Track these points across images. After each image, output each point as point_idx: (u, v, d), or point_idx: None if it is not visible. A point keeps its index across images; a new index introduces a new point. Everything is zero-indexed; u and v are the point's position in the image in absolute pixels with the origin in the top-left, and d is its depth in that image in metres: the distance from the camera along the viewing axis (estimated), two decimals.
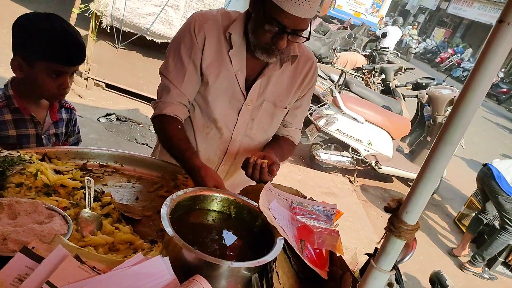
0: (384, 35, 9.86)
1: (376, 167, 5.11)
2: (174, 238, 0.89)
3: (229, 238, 1.10)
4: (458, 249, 4.60)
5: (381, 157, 5.10)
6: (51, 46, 1.39)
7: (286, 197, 1.27)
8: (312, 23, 1.41)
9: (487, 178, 4.20)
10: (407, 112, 5.92)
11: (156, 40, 4.87)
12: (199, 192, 1.13)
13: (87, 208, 1.16)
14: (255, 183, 1.38)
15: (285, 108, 1.62)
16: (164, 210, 0.97)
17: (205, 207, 1.15)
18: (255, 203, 1.15)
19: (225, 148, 1.62)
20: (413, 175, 5.11)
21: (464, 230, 4.83)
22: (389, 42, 10.28)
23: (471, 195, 5.14)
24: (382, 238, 0.83)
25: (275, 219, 1.09)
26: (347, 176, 5.39)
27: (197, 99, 1.57)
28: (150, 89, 4.94)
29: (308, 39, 1.38)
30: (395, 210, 0.80)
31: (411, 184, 0.94)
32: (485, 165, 4.33)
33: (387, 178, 5.63)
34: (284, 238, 1.05)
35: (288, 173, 4.84)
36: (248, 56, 1.48)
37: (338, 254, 1.10)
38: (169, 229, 0.91)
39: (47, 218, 0.95)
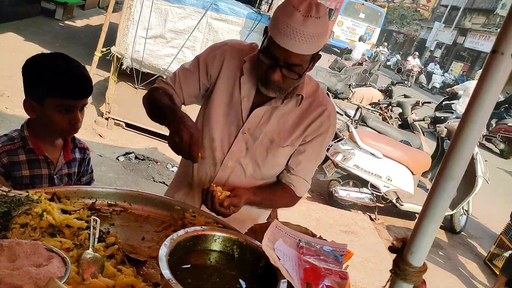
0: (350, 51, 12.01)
1: (397, 204, 4.95)
2: (171, 282, 0.87)
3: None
4: None
5: (402, 193, 4.95)
6: (56, 82, 1.43)
7: (294, 235, 1.23)
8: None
9: None
10: (427, 146, 5.80)
11: None
12: (201, 232, 1.11)
13: (90, 249, 1.15)
14: (264, 222, 1.35)
15: (283, 147, 1.56)
16: (163, 251, 0.95)
17: (207, 247, 1.12)
18: (259, 243, 1.12)
19: (215, 171, 1.60)
20: None
21: (497, 272, 4.54)
22: (357, 54, 13.47)
23: (501, 233, 4.88)
24: (387, 282, 0.78)
25: (279, 259, 1.05)
26: (368, 213, 5.23)
27: (201, 116, 1.63)
28: None
29: (300, 76, 1.39)
30: (400, 250, 0.76)
31: None
32: None
33: (410, 215, 5.43)
34: (288, 280, 1.00)
35: (306, 211, 4.74)
36: (258, 87, 1.51)
37: None
38: (166, 272, 0.89)
39: (46, 260, 0.94)
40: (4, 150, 1.48)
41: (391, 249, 0.78)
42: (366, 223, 4.99)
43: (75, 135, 1.73)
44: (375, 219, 5.13)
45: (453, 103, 9.55)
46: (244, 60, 1.51)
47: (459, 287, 4.39)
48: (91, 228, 1.21)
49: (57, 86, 1.44)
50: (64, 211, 1.30)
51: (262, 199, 1.55)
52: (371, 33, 22.17)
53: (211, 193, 1.35)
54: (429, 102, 6.32)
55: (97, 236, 1.20)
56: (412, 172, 4.95)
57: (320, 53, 1.44)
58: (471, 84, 9.18)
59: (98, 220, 1.26)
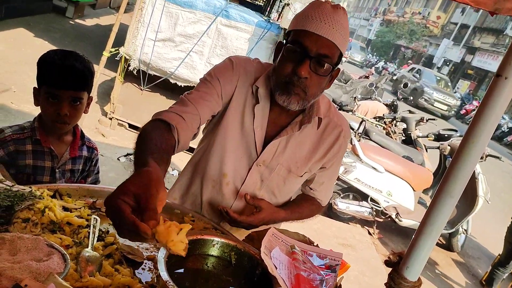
0: None
1: (396, 220, 4.93)
2: (168, 284, 0.87)
3: None
4: None
5: (402, 209, 4.94)
6: (47, 71, 1.50)
7: (289, 242, 1.24)
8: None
9: None
10: (429, 163, 5.79)
11: (179, 84, 5.07)
12: (200, 236, 1.11)
13: (89, 247, 1.15)
14: (262, 229, 1.35)
15: (301, 176, 1.50)
16: (162, 253, 0.96)
17: (205, 252, 1.12)
18: (256, 250, 1.13)
19: (229, 205, 1.52)
20: None
21: None
22: None
23: (499, 254, 4.85)
24: None
25: (276, 268, 1.05)
26: (366, 227, 5.21)
27: (206, 146, 1.51)
28: None
29: (333, 69, 1.29)
30: (396, 264, 0.77)
31: None
32: None
33: (408, 232, 5.41)
34: None
35: (305, 222, 4.73)
36: (271, 114, 1.42)
37: None
38: (164, 274, 0.90)
39: (46, 255, 0.95)
40: (12, 138, 1.54)
41: (387, 263, 0.79)
42: (364, 237, 4.96)
43: (86, 134, 1.77)
44: (373, 233, 5.11)
45: None
46: (256, 86, 1.39)
47: None
48: (91, 226, 1.22)
49: (46, 74, 1.50)
50: (65, 209, 1.31)
51: (289, 215, 1.51)
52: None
53: (225, 212, 1.37)
54: (434, 119, 6.32)
55: (96, 235, 1.21)
56: (413, 188, 4.94)
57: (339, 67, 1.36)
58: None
59: (99, 219, 1.27)
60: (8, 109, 4.53)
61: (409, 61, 25.52)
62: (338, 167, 1.61)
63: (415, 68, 23.05)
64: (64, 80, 1.49)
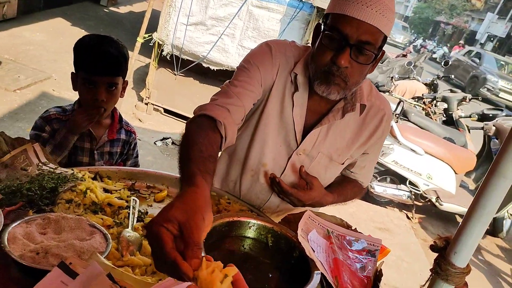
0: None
1: (437, 203, 4.77)
2: None
3: None
4: None
5: (443, 192, 4.76)
6: (83, 56, 1.53)
7: (326, 226, 1.21)
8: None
9: None
10: (472, 145, 5.53)
11: (212, 68, 5.06)
12: (236, 218, 1.11)
13: (130, 228, 1.18)
14: (298, 212, 1.33)
15: (342, 163, 1.46)
16: None
17: (241, 234, 1.12)
18: (293, 233, 1.11)
19: (268, 195, 1.50)
20: None
21: None
22: None
23: None
24: (427, 282, 0.75)
25: (314, 251, 1.04)
26: (404, 211, 5.08)
27: (251, 137, 1.46)
28: None
29: (376, 55, 1.18)
30: (443, 250, 0.73)
31: None
32: None
33: (449, 216, 5.23)
34: (321, 272, 0.99)
35: (340, 206, 4.67)
36: (310, 101, 1.36)
37: None
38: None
39: (88, 235, 0.98)
40: (57, 117, 1.62)
41: (433, 247, 0.75)
42: (402, 221, 4.85)
43: (125, 118, 1.80)
44: (412, 217, 4.97)
45: None
46: (295, 73, 1.32)
47: None
48: (131, 207, 1.25)
49: (83, 60, 1.53)
50: (105, 190, 1.35)
51: (336, 198, 1.46)
52: None
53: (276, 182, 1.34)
54: (477, 98, 6.00)
55: (136, 216, 1.24)
56: (454, 171, 4.74)
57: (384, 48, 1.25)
58: None
59: (138, 200, 1.30)
60: (51, 96, 4.72)
61: (460, 42, 22.70)
62: (380, 150, 1.55)
63: (473, 51, 19.18)
64: (99, 66, 1.51)
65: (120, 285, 0.82)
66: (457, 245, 0.70)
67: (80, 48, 1.54)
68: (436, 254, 0.74)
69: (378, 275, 1.08)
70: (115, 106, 1.73)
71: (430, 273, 0.74)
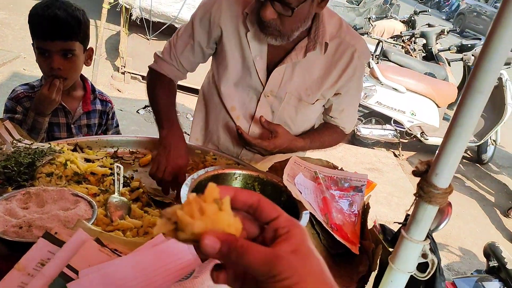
0: None
1: (422, 138, 4.86)
2: None
3: None
4: None
5: (427, 127, 4.84)
6: (33, 23, 1.44)
7: (312, 168, 1.22)
8: None
9: None
10: (453, 77, 5.55)
11: None
12: (221, 171, 1.11)
13: (116, 193, 1.17)
14: (284, 159, 1.32)
15: (313, 103, 1.43)
16: (184, 190, 0.96)
17: (228, 185, 1.12)
18: (279, 178, 1.11)
19: (241, 145, 1.51)
20: None
21: None
22: None
23: None
24: (411, 206, 0.76)
25: (301, 193, 1.05)
26: (391, 150, 5.18)
27: (217, 83, 1.48)
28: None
29: (292, 10, 1.15)
30: (424, 173, 0.73)
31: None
32: None
33: (435, 149, 5.34)
34: (310, 212, 1.00)
35: (329, 151, 4.71)
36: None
37: (370, 227, 1.04)
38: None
39: (73, 204, 0.97)
40: (25, 95, 1.55)
41: (415, 172, 0.75)
42: (390, 160, 4.96)
43: (103, 90, 1.73)
44: (399, 155, 5.08)
45: None
46: (246, 13, 1.30)
47: (483, 214, 4.40)
48: (115, 174, 1.23)
49: (33, 26, 1.44)
50: (87, 160, 1.33)
51: (309, 143, 1.44)
52: None
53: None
54: (455, 30, 5.95)
55: (121, 181, 1.23)
56: (437, 105, 4.80)
57: None
58: None
59: (122, 166, 1.28)
60: (22, 75, 4.55)
61: None
62: (358, 91, 1.50)
63: None
64: (47, 31, 1.41)
65: (110, 248, 0.82)
66: (438, 166, 0.70)
67: (30, 15, 1.44)
68: (418, 179, 0.75)
69: (365, 209, 1.10)
70: (86, 77, 1.67)
71: (415, 197, 0.75)
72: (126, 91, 4.91)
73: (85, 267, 0.75)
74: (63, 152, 1.26)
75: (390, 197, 4.02)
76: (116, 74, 5.08)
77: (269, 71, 1.37)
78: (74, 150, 1.36)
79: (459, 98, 0.68)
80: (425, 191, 0.72)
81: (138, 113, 4.53)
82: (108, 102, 1.75)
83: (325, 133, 1.53)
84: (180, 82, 1.66)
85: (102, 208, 1.11)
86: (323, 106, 1.51)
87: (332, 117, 1.52)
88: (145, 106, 4.66)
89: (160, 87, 1.47)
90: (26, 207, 0.93)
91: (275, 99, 1.41)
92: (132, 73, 5.05)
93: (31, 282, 0.71)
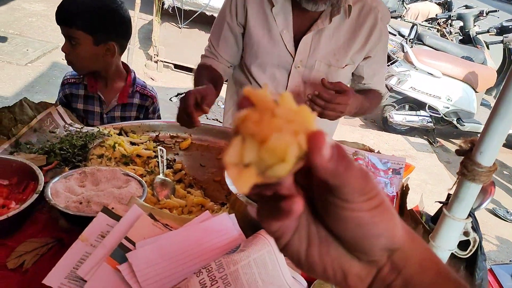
0: None
1: (458, 125, 4.72)
2: (239, 196, 0.92)
3: None
4: None
5: (464, 113, 4.69)
6: None
7: (350, 150, 1.23)
8: None
9: None
10: (492, 61, 5.33)
11: (216, 15, 4.92)
12: None
13: (161, 174, 1.24)
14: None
15: (343, 68, 1.45)
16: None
17: None
18: None
19: None
20: None
21: None
22: None
23: None
24: (454, 184, 0.77)
25: None
26: (426, 137, 5.06)
27: (247, 64, 1.52)
28: None
29: None
30: (468, 152, 0.74)
31: None
32: None
33: (472, 136, 5.19)
34: None
35: (360, 138, 4.68)
36: (295, 12, 1.38)
37: (409, 208, 1.05)
38: (233, 187, 0.94)
39: (124, 183, 1.04)
40: (69, 82, 1.64)
41: (459, 151, 0.76)
42: (424, 147, 4.85)
43: (144, 81, 1.75)
44: (433, 142, 4.96)
45: None
46: None
47: None
48: (159, 156, 1.29)
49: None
50: (132, 143, 1.40)
51: (364, 100, 1.42)
52: None
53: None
54: (495, 11, 5.67)
55: (165, 163, 1.29)
56: (474, 90, 4.63)
57: None
58: None
59: (164, 149, 1.34)
60: (61, 65, 4.73)
61: None
62: (385, 55, 1.53)
63: None
64: (56, 14, 1.47)
65: (162, 223, 0.88)
66: (482, 144, 0.70)
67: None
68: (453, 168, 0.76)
69: (404, 190, 1.11)
70: (131, 68, 1.69)
71: (457, 176, 0.76)
72: (159, 80, 5.02)
73: (140, 239, 0.81)
74: (111, 136, 1.34)
75: (424, 184, 3.96)
76: (149, 63, 5.20)
77: (297, 42, 1.41)
78: (120, 134, 1.44)
79: (501, 81, 0.68)
80: (469, 169, 0.72)
81: (171, 100, 4.64)
82: (150, 96, 1.70)
83: (368, 95, 1.52)
84: None
85: (149, 188, 1.17)
86: (354, 75, 1.53)
87: (365, 84, 1.54)
88: (177, 94, 4.76)
89: (205, 70, 1.52)
90: (83, 185, 1.01)
91: (306, 69, 1.44)
92: (164, 62, 5.15)
93: (94, 252, 0.78)
